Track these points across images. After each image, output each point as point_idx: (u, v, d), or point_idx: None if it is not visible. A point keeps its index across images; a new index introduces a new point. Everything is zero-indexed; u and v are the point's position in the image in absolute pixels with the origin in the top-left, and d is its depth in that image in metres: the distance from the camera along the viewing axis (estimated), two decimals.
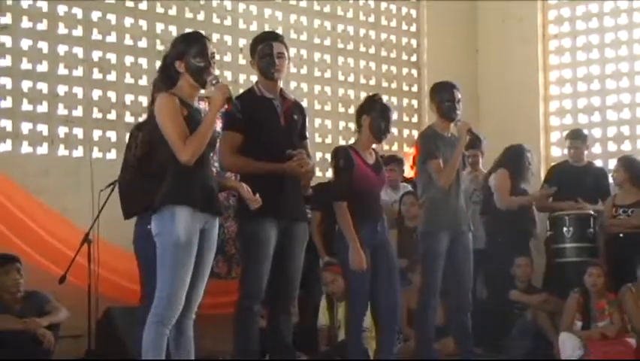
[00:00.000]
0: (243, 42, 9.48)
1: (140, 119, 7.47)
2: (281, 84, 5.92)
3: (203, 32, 5.28)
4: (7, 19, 8.25)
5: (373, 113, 6.45)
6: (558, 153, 11.02)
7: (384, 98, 10.45)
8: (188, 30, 8.98)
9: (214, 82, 4.98)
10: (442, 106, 6.95)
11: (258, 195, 5.19)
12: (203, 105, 8.94)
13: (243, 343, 5.66)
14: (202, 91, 5.14)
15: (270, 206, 5.52)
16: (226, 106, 5.03)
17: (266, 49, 5.77)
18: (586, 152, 9.19)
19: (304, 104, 10.05)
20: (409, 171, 9.67)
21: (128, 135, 6.07)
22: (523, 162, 8.67)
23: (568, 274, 8.36)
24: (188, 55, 4.95)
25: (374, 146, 6.61)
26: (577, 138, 9.13)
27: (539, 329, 8.21)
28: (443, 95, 6.96)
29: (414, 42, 11.44)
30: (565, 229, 8.48)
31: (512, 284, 8.45)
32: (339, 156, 6.40)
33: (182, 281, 4.80)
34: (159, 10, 9.24)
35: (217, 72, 5.15)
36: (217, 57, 8.79)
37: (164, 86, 5.00)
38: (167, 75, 5.04)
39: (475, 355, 7.15)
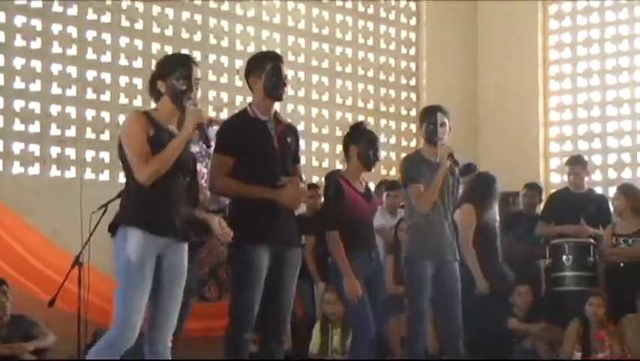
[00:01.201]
0: (239, 63, 9.39)
1: None
2: (275, 107, 5.77)
3: (194, 56, 5.17)
4: (0, 37, 8.15)
5: (361, 143, 6.37)
6: (558, 179, 10.94)
7: (381, 122, 10.76)
8: (184, 51, 9.05)
9: (190, 106, 4.89)
10: (427, 129, 6.82)
11: (230, 230, 5.04)
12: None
13: None
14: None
15: (262, 231, 5.41)
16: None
17: (276, 69, 5.62)
18: (586, 178, 9.06)
19: (301, 127, 10.13)
20: None
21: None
22: (490, 193, 8.36)
23: (567, 302, 8.23)
24: (172, 77, 4.86)
25: (363, 175, 6.51)
26: (577, 163, 9.01)
27: (538, 358, 8.05)
28: (428, 119, 6.83)
29: (413, 65, 11.38)
30: (564, 257, 8.37)
31: (511, 312, 8.29)
32: (330, 185, 6.34)
33: (134, 305, 4.65)
34: (155, 30, 9.15)
35: (198, 96, 5.02)
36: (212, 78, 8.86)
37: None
38: (151, 92, 4.97)
39: None
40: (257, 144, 5.57)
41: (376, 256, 6.41)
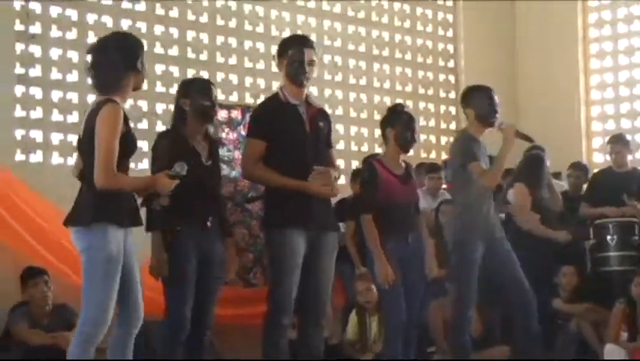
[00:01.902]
0: (275, 49, 9.30)
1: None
2: (306, 90, 5.70)
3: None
4: (36, 28, 8.17)
5: (398, 125, 6.29)
6: (600, 159, 10.79)
7: (420, 105, 10.66)
8: (219, 37, 9.06)
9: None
10: (482, 110, 6.63)
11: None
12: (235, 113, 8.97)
13: (272, 358, 5.48)
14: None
15: (297, 215, 5.39)
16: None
17: (297, 54, 5.56)
18: (629, 157, 8.92)
19: (339, 111, 10.10)
20: None
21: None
22: (541, 171, 8.27)
23: (612, 283, 8.13)
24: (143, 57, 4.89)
25: (402, 157, 6.42)
26: (618, 142, 8.88)
27: (584, 340, 7.94)
28: (482, 99, 6.66)
29: (450, 48, 11.27)
30: (609, 237, 8.27)
31: (555, 293, 8.19)
32: (364, 169, 6.29)
33: (112, 298, 4.66)
34: (190, 17, 9.13)
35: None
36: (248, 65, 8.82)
37: None
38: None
39: None
40: (288, 128, 5.54)
41: (414, 240, 6.29)
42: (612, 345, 7.42)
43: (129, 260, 4.81)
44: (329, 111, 9.65)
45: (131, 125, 4.90)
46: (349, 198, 8.62)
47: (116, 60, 4.76)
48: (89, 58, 4.91)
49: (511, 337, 7.46)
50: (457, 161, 6.68)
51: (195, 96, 5.65)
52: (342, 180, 9.02)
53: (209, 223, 5.59)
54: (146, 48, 8.39)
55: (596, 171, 9.62)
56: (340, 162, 9.70)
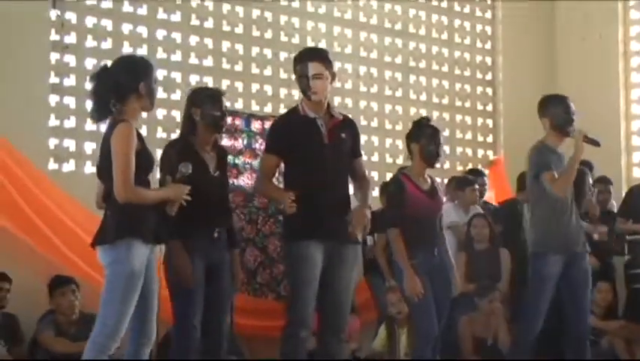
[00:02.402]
0: None
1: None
2: (326, 102, 5.66)
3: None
4: (71, 38, 8.26)
5: (423, 140, 6.26)
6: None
7: (457, 117, 10.58)
8: (255, 49, 9.06)
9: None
10: (557, 118, 6.56)
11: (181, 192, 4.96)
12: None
13: None
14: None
15: (315, 227, 5.37)
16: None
17: (302, 69, 5.54)
18: None
19: (374, 123, 10.05)
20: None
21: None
22: (584, 189, 8.15)
23: None
24: (151, 79, 4.91)
25: (429, 171, 6.40)
26: None
27: (616, 358, 7.83)
28: (559, 107, 6.60)
29: (489, 60, 11.18)
30: None
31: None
32: (390, 182, 6.29)
33: (128, 312, 4.74)
34: (226, 28, 9.16)
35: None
36: (283, 76, 8.79)
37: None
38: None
39: None
40: (304, 142, 5.52)
41: (441, 253, 6.25)
42: None
43: (150, 274, 4.88)
44: (364, 123, 9.89)
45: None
46: (379, 211, 8.57)
47: (111, 87, 4.85)
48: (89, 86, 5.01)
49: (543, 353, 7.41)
50: (532, 172, 6.62)
51: (206, 106, 5.65)
52: (376, 192, 9.06)
53: (216, 234, 5.60)
54: (179, 59, 8.68)
55: (634, 185, 9.47)
56: (374, 174, 9.71)
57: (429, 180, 6.34)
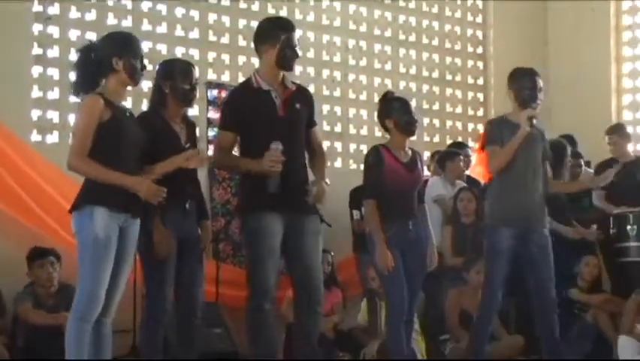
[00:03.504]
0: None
1: None
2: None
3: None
4: (55, 9, 8.20)
5: (395, 114, 6.16)
6: (631, 148, 10.57)
7: (447, 91, 10.50)
8: (241, 20, 9.01)
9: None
10: (522, 94, 6.50)
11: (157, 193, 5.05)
12: None
13: (257, 345, 5.43)
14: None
15: (271, 199, 5.33)
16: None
17: (292, 40, 5.52)
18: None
19: (363, 97, 9.99)
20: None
21: None
22: (563, 161, 8.13)
23: (632, 273, 7.96)
24: (131, 54, 5.04)
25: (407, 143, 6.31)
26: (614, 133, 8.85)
27: (600, 331, 7.82)
28: (524, 82, 6.52)
29: (479, 34, 11.14)
30: (629, 227, 8.08)
31: (573, 283, 8.06)
32: (369, 154, 6.21)
33: (101, 278, 4.85)
34: (212, 0, 9.11)
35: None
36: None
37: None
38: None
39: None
40: (258, 115, 5.47)
41: (417, 227, 6.18)
42: (625, 337, 7.27)
43: (122, 249, 4.98)
44: (352, 96, 9.85)
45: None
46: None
47: (92, 62, 5.05)
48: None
49: (525, 327, 7.40)
50: (485, 146, 6.62)
51: (176, 79, 5.59)
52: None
53: (187, 205, 5.58)
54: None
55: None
56: (364, 148, 9.65)
57: (409, 152, 6.26)
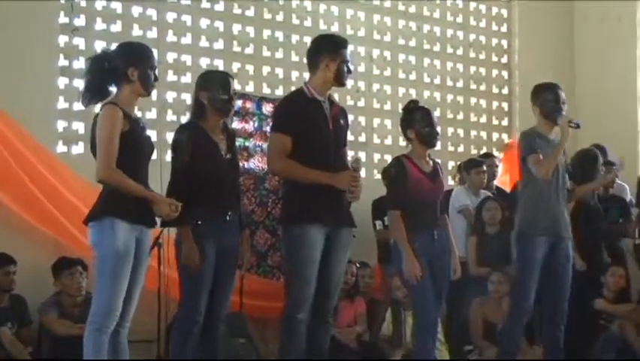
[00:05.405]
0: None
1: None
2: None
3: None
4: (80, 21, 8.26)
5: (416, 125, 6.20)
6: None
7: (472, 101, 10.46)
8: (266, 31, 9.05)
9: None
10: (546, 107, 6.64)
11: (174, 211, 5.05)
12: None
13: (287, 353, 5.48)
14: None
15: (317, 211, 5.41)
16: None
17: (344, 54, 5.64)
18: None
19: (387, 107, 10.00)
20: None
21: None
22: (595, 170, 8.12)
23: None
24: (146, 65, 5.06)
25: (429, 152, 6.36)
26: None
27: (626, 342, 7.76)
28: (547, 96, 6.67)
29: (504, 43, 11.09)
30: None
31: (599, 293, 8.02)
32: (392, 165, 6.28)
33: (120, 291, 4.88)
34: (236, 11, 9.13)
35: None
36: (295, 59, 8.84)
37: None
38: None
39: None
40: (314, 124, 5.54)
41: (440, 237, 6.20)
42: None
43: (137, 260, 4.99)
44: (377, 106, 9.86)
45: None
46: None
47: (104, 72, 5.04)
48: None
49: None
50: (521, 156, 6.68)
51: (214, 90, 5.64)
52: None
53: (228, 217, 5.59)
54: (190, 41, 8.67)
55: None
56: (388, 158, 9.63)
57: (431, 162, 6.30)
